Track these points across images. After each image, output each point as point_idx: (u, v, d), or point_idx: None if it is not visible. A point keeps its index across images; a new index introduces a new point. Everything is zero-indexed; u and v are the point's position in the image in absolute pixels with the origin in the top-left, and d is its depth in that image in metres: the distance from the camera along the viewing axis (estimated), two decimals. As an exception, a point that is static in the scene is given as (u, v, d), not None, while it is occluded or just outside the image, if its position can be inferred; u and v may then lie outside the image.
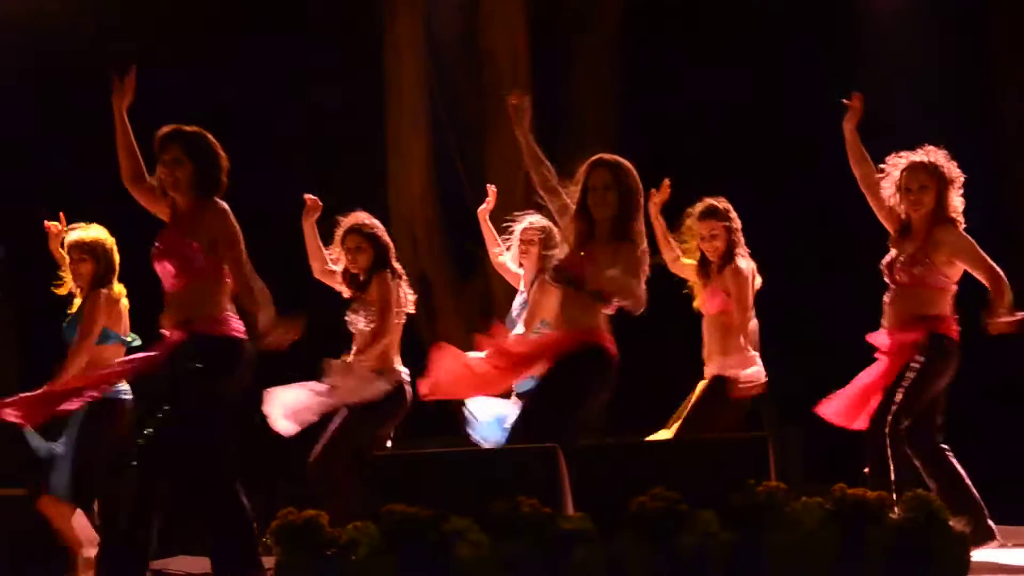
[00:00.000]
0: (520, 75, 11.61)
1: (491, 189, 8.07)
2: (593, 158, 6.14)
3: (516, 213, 7.79)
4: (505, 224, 7.89)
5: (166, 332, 6.14)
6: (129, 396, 7.38)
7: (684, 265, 7.42)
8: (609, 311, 6.01)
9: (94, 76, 6.75)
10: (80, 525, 7.30)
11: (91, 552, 7.23)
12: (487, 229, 8.03)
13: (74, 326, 7.40)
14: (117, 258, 7.44)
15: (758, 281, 7.33)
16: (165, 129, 6.22)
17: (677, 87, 11.70)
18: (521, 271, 7.75)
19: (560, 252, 6.24)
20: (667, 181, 7.49)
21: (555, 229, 7.35)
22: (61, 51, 11.05)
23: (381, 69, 11.70)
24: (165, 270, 6.17)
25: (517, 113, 6.32)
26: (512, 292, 8.08)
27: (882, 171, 6.63)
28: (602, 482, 4.87)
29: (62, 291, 7.53)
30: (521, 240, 7.64)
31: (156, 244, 6.20)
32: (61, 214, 7.68)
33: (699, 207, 7.34)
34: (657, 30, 11.99)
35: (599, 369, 5.91)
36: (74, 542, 7.31)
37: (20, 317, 11.94)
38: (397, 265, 7.34)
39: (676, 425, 7.03)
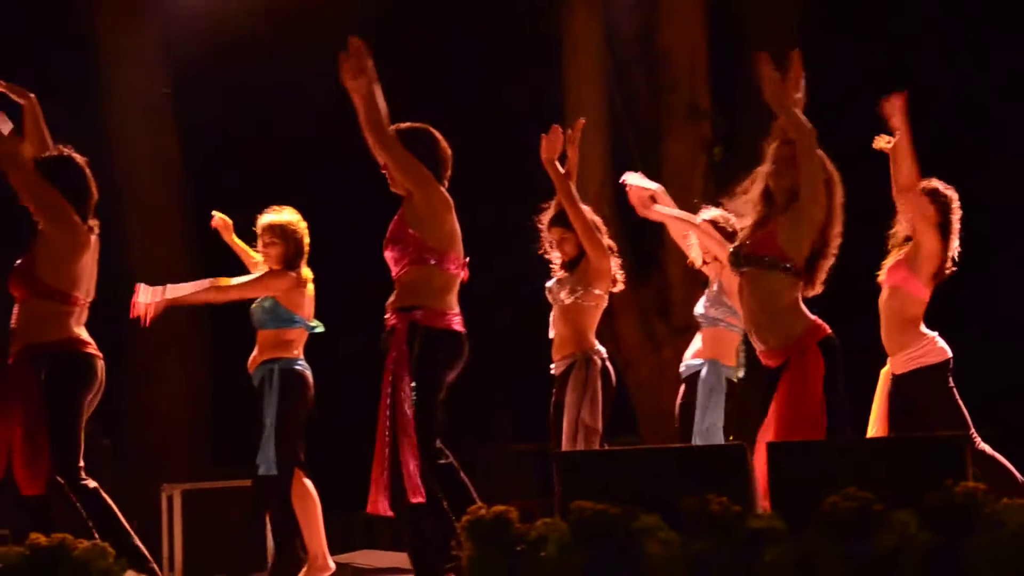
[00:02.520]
0: (698, 73, 11.57)
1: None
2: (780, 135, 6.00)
3: (696, 201, 7.71)
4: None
5: (391, 317, 6.23)
6: (309, 370, 7.50)
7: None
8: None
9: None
10: (313, 527, 7.44)
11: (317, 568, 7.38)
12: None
13: (260, 308, 7.54)
14: (307, 241, 7.57)
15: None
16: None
17: (857, 81, 11.54)
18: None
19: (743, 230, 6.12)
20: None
21: (732, 219, 7.27)
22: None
23: (559, 69, 11.75)
24: (389, 256, 6.28)
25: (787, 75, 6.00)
26: (691, 288, 8.04)
27: None
28: (793, 480, 4.80)
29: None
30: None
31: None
32: (214, 213, 7.81)
33: (923, 184, 7.03)
34: (836, 24, 11.84)
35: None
36: (307, 540, 7.43)
37: (212, 315, 12.29)
38: (610, 240, 7.35)
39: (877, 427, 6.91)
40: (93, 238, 6.38)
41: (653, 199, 7.51)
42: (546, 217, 7.38)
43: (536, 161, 7.23)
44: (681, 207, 7.89)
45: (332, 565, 7.48)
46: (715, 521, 4.68)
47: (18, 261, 6.33)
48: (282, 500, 7.38)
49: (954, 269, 7.07)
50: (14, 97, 6.50)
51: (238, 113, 12.53)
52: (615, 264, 7.34)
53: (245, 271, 7.77)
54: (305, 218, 7.63)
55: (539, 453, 7.42)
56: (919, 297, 7.01)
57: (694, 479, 4.86)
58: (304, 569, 7.42)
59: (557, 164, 7.21)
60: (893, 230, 7.18)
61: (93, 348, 6.36)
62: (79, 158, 6.46)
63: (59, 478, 6.09)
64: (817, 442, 4.94)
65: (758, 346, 5.94)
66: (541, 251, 7.42)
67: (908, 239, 7.10)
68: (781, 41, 11.91)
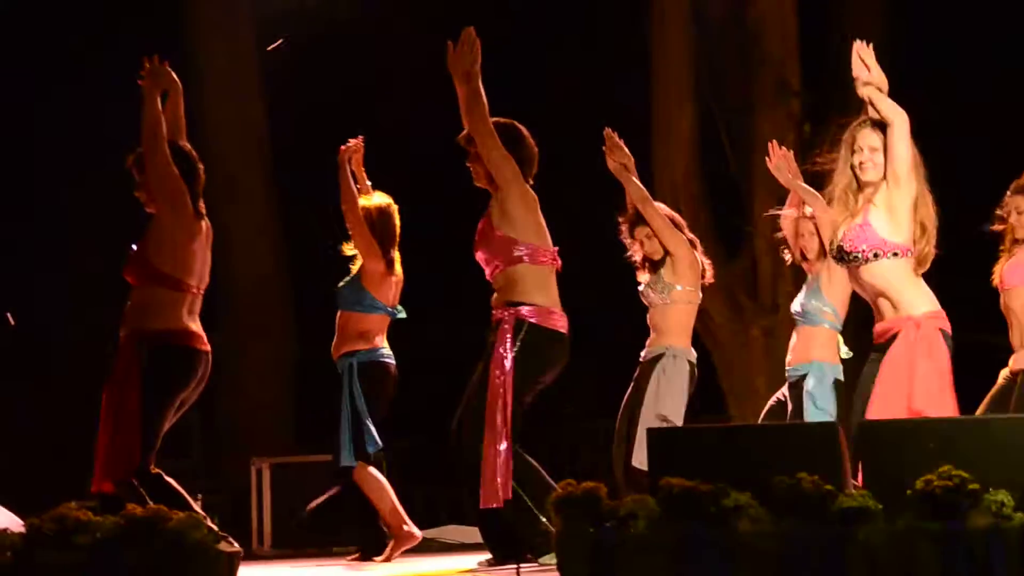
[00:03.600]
0: (788, 49, 11.47)
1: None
2: (860, 118, 5.85)
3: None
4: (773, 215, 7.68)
5: (498, 311, 6.25)
6: (392, 360, 7.56)
7: None
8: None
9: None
10: (388, 506, 7.51)
11: (403, 538, 7.44)
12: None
13: (349, 288, 7.60)
14: (397, 225, 7.59)
15: None
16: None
17: (948, 57, 11.39)
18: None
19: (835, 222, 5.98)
20: None
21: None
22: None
23: (647, 44, 11.70)
24: (480, 258, 6.32)
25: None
26: (779, 266, 7.96)
27: None
28: (887, 459, 4.76)
29: (347, 252, 7.73)
30: (800, 235, 7.36)
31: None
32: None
33: (1019, 180, 6.98)
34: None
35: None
36: (386, 518, 7.52)
37: (298, 290, 12.40)
38: (692, 235, 7.33)
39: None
40: (204, 224, 6.40)
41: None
42: (628, 219, 7.37)
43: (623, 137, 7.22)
44: (772, 185, 7.81)
45: (418, 533, 7.55)
46: (806, 499, 4.64)
47: (132, 247, 6.38)
48: (352, 487, 7.49)
49: None
50: (163, 82, 6.43)
51: (326, 88, 12.59)
52: (700, 256, 7.30)
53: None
54: (394, 199, 7.66)
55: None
56: None
57: (785, 457, 4.82)
58: (391, 543, 7.50)
59: (625, 170, 7.19)
60: (1004, 228, 7.06)
61: (200, 342, 6.28)
62: (188, 146, 6.47)
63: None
64: (911, 420, 4.89)
65: (877, 318, 5.80)
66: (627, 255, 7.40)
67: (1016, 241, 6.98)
68: (871, 17, 11.85)
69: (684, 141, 11.59)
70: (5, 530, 4.97)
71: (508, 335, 6.16)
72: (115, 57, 6.71)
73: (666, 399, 7.03)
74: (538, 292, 6.24)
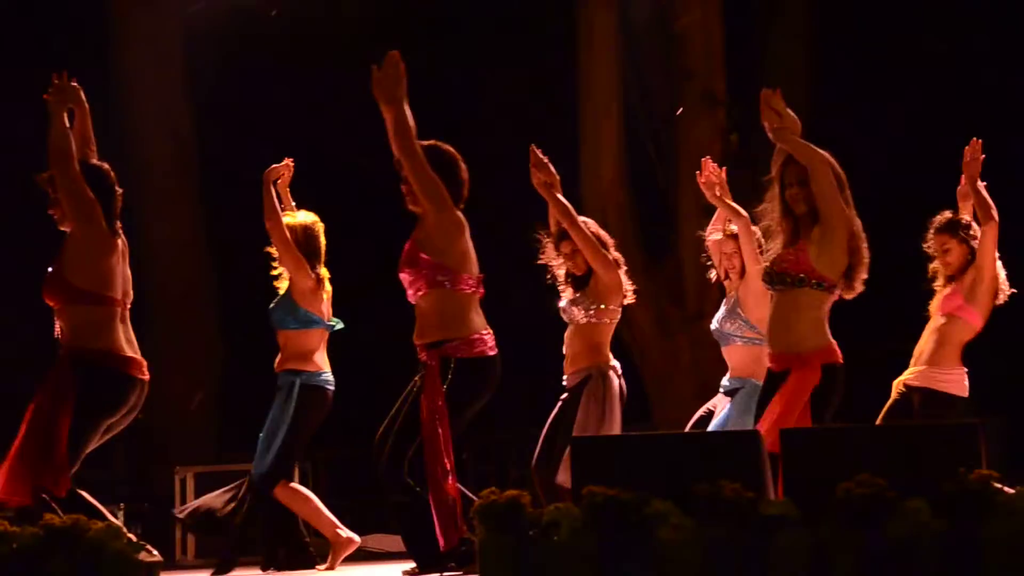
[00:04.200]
0: (714, 60, 11.55)
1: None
2: (787, 154, 5.91)
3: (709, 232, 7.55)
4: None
5: (422, 355, 6.24)
6: (332, 386, 7.56)
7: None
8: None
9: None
10: (321, 517, 7.50)
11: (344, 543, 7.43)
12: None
13: (281, 307, 7.57)
14: (323, 242, 7.58)
15: (1002, 297, 7.09)
16: None
17: (872, 71, 11.50)
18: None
19: (772, 250, 6.04)
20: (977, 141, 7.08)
21: (759, 234, 7.20)
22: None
23: (574, 54, 11.73)
24: (404, 279, 6.29)
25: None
26: (704, 276, 8.00)
27: None
28: (807, 467, 4.79)
29: (276, 272, 7.70)
30: (723, 254, 7.41)
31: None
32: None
33: (938, 219, 7.16)
34: (848, 15, 11.82)
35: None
36: (320, 529, 7.52)
37: (224, 300, 12.32)
38: (616, 254, 7.33)
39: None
40: (119, 240, 6.35)
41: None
42: (552, 233, 7.37)
43: (549, 152, 7.22)
44: (698, 195, 7.84)
45: (356, 538, 7.56)
46: (728, 507, 4.67)
47: (48, 269, 6.31)
48: (266, 501, 7.45)
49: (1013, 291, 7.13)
50: (69, 99, 6.37)
51: (256, 100, 12.52)
52: (624, 276, 7.32)
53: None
54: (320, 213, 7.64)
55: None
56: (973, 325, 7.03)
57: (707, 465, 4.85)
58: (330, 552, 7.51)
59: (549, 186, 7.17)
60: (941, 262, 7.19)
61: (139, 370, 6.26)
62: (105, 165, 6.43)
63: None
64: (831, 429, 4.93)
65: (768, 349, 5.90)
66: (548, 275, 7.41)
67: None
68: (796, 28, 11.97)
69: (611, 149, 11.63)
70: None
71: (436, 377, 6.17)
72: (44, 73, 6.62)
73: (600, 422, 7.02)
74: (459, 323, 6.22)
